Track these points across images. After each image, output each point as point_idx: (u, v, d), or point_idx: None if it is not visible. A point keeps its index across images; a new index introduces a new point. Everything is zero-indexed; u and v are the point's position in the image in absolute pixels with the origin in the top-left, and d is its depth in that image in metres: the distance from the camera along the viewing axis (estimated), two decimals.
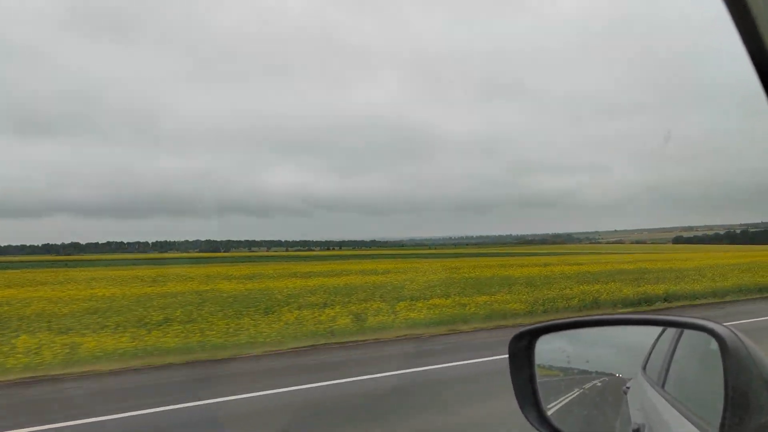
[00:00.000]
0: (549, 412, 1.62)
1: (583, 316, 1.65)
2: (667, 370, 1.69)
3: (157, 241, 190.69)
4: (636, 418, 1.68)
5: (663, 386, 1.70)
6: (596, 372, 1.75)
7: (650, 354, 1.76)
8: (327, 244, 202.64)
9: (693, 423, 1.42)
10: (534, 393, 1.64)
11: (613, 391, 1.75)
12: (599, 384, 1.72)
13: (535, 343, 1.68)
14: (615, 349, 1.76)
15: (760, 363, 1.07)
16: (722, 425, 1.04)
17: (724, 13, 0.58)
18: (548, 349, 1.69)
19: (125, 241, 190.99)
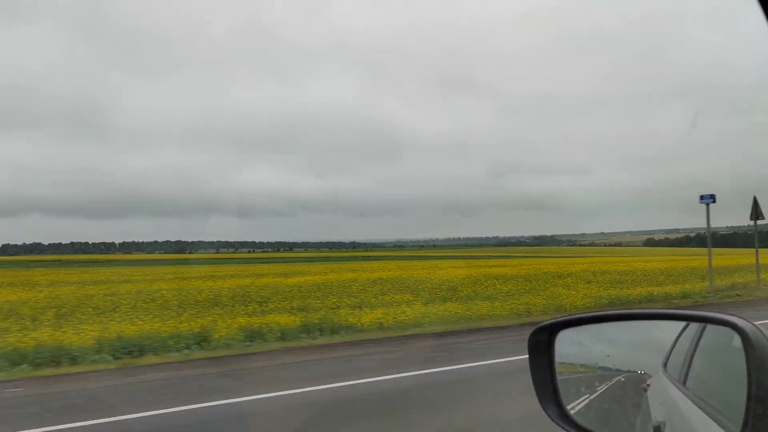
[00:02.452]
0: (572, 410, 1.52)
1: (604, 311, 1.56)
2: (689, 367, 1.59)
3: (124, 242, 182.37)
4: (657, 415, 1.59)
5: (684, 383, 1.61)
6: (617, 368, 1.65)
7: (671, 350, 1.66)
8: (306, 245, 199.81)
9: (715, 420, 1.33)
10: (554, 388, 1.54)
11: (634, 387, 1.64)
12: (620, 380, 1.63)
13: (555, 338, 1.58)
14: (636, 345, 1.65)
15: None
16: (745, 422, 0.98)
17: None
18: (568, 344, 1.59)
19: (90, 242, 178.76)
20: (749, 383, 1.00)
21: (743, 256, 39.98)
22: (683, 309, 1.81)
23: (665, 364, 1.70)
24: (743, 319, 1.14)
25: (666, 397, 1.62)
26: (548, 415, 1.51)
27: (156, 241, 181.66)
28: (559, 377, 1.56)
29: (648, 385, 1.66)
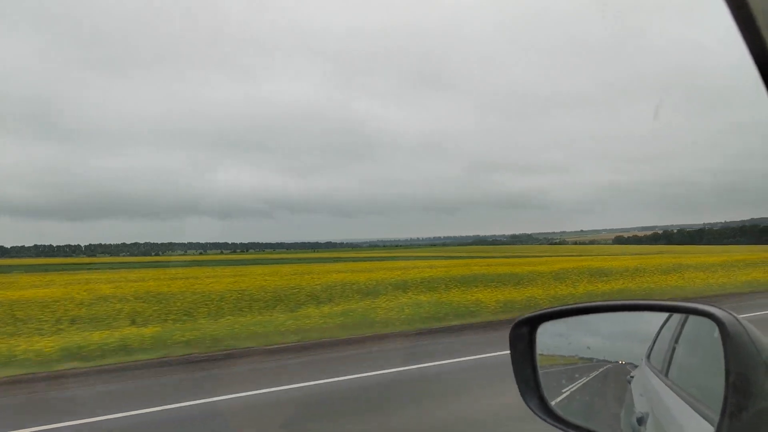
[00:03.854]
0: (555, 402, 1.47)
1: (584, 303, 1.51)
2: (671, 358, 1.56)
3: (90, 245, 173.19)
4: (640, 406, 1.56)
5: (667, 374, 1.58)
6: (600, 360, 1.60)
7: (655, 341, 1.63)
8: (280, 246, 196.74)
9: (696, 410, 1.31)
10: (536, 381, 1.49)
11: (618, 379, 1.61)
12: (603, 372, 1.58)
13: (536, 330, 1.54)
14: (621, 336, 1.61)
15: (762, 348, 0.99)
16: (723, 411, 0.97)
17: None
18: (550, 336, 1.55)
19: (54, 245, 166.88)
20: (727, 373, 0.99)
21: (694, 255, 39.40)
22: (663, 300, 1.80)
23: (648, 355, 1.67)
24: (722, 309, 1.12)
25: (649, 388, 1.60)
26: (530, 408, 1.47)
27: (124, 244, 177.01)
28: (540, 370, 1.51)
29: (632, 377, 1.63)
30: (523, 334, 1.53)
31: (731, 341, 1.02)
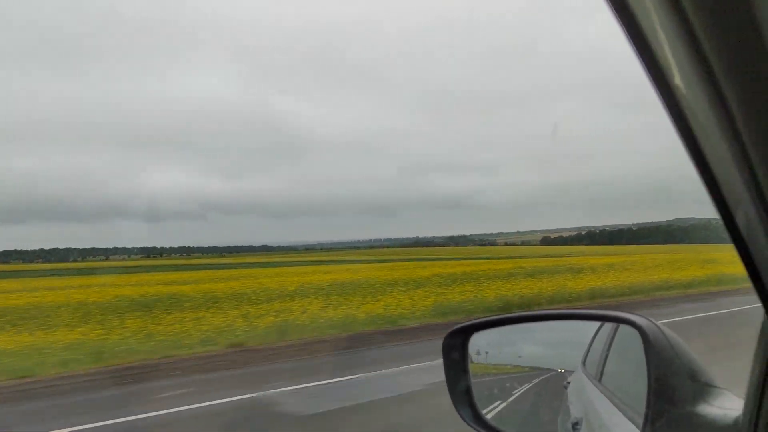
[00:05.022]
0: (488, 412, 1.44)
1: (518, 312, 1.50)
2: (604, 364, 1.58)
3: (5, 250, 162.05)
4: (575, 412, 1.57)
5: (600, 380, 1.60)
6: (538, 367, 1.61)
7: (589, 348, 1.64)
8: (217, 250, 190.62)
9: (626, 415, 1.34)
10: (468, 391, 1.46)
11: (555, 386, 1.62)
12: (542, 379, 1.59)
13: (468, 340, 1.50)
14: (557, 344, 1.63)
15: (682, 354, 1.02)
16: (646, 415, 0.98)
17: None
18: (484, 346, 1.52)
19: None
20: (649, 378, 1.01)
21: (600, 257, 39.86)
22: (592, 309, 1.84)
23: (584, 362, 1.68)
24: (642, 316, 1.15)
25: (583, 393, 1.62)
26: (463, 418, 1.43)
27: (42, 249, 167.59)
28: (473, 380, 1.48)
29: (568, 383, 1.64)
30: (455, 344, 1.49)
31: (652, 348, 1.03)
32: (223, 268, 49.88)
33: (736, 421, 0.86)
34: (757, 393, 0.77)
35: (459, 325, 1.50)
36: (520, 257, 54.10)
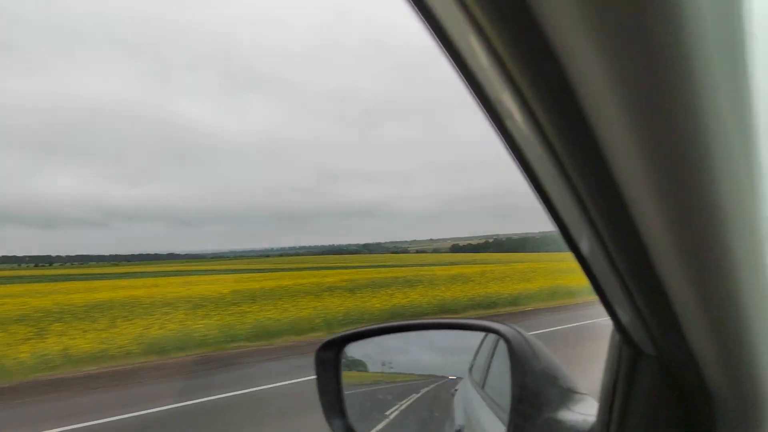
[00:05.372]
0: (385, 421, 1.40)
1: (390, 322, 1.44)
2: (488, 371, 1.56)
3: None
4: (458, 419, 1.56)
5: (483, 387, 1.58)
6: (425, 375, 1.58)
7: (476, 356, 1.62)
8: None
9: (502, 421, 1.32)
10: (340, 403, 1.38)
11: (444, 394, 1.59)
12: (429, 389, 1.55)
13: (342, 351, 1.41)
14: (447, 352, 1.59)
15: (545, 360, 1.04)
16: (511, 421, 0.99)
17: None
18: (359, 357, 1.44)
19: None
20: (513, 385, 1.01)
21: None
22: (466, 319, 1.85)
23: (470, 370, 1.66)
24: (506, 325, 1.15)
25: (467, 401, 1.60)
26: (333, 430, 1.35)
27: None
28: (347, 391, 1.40)
29: (456, 390, 1.62)
30: (328, 357, 1.40)
31: (515, 355, 1.03)
32: (96, 279, 43.92)
33: (593, 427, 0.86)
34: (608, 400, 0.76)
35: (331, 337, 1.42)
36: (395, 266, 47.93)
